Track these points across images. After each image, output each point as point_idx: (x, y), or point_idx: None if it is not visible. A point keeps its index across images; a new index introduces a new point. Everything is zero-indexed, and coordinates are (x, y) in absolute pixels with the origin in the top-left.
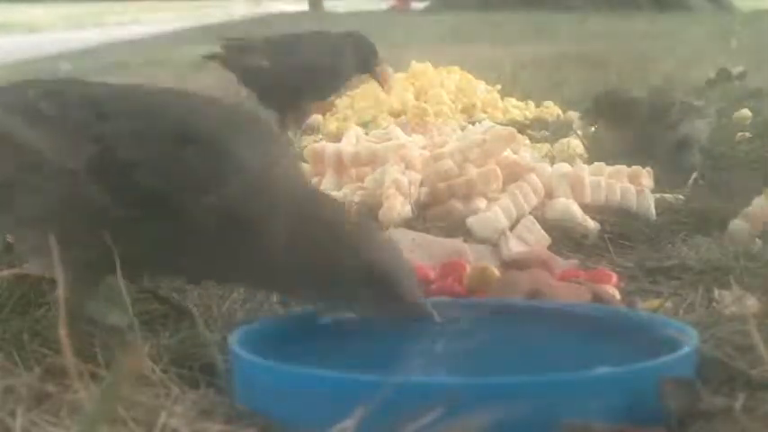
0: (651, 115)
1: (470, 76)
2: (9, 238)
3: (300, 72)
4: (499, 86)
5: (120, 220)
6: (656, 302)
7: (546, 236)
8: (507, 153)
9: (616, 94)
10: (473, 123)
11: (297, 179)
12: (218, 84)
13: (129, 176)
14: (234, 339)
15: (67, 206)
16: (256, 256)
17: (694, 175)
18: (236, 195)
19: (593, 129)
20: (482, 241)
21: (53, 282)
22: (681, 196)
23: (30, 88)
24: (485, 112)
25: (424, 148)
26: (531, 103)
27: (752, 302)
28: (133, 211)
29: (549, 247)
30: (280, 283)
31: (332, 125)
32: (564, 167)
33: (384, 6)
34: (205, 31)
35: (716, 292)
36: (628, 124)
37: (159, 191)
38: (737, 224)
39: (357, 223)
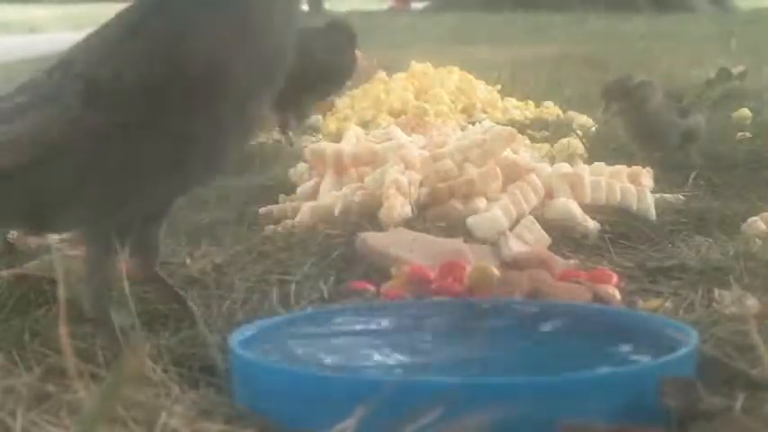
0: (666, 100)
1: (470, 76)
2: (9, 238)
3: (301, 71)
4: (499, 86)
5: (127, 140)
6: (656, 302)
7: (546, 236)
8: (507, 153)
9: (630, 77)
10: (473, 123)
11: None
12: None
13: (115, 90)
14: (234, 339)
15: (77, 144)
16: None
17: (693, 174)
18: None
19: (607, 112)
20: (482, 241)
21: (53, 281)
22: (681, 196)
23: (54, 70)
24: (485, 112)
25: (423, 148)
26: (531, 103)
27: (752, 302)
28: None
29: (549, 247)
30: None
31: (332, 125)
32: (564, 167)
33: (384, 6)
34: None
35: (716, 292)
36: (643, 105)
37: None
38: (753, 223)
39: None
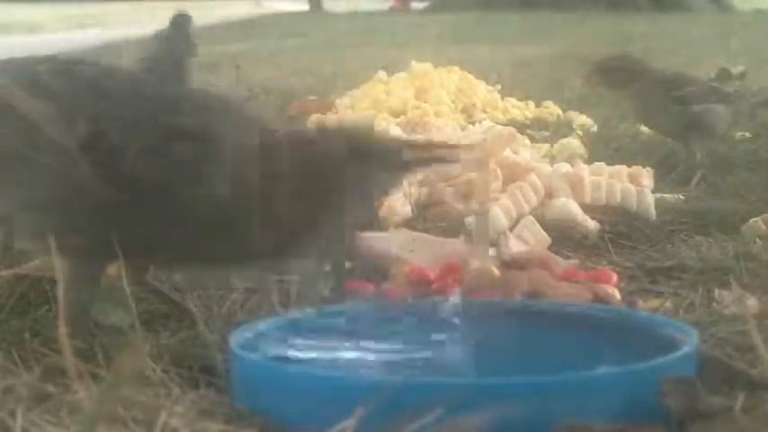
0: (660, 83)
1: (470, 76)
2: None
3: None
4: (499, 86)
5: (110, 202)
6: (656, 302)
7: (546, 236)
8: (507, 153)
9: (626, 55)
10: (473, 123)
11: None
12: (218, 83)
13: (119, 159)
14: (234, 339)
15: (61, 184)
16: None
17: (698, 175)
18: (223, 185)
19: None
20: None
21: (53, 281)
22: (681, 196)
23: (39, 63)
24: (485, 112)
25: None
26: (531, 103)
27: (752, 302)
28: (122, 193)
29: (549, 247)
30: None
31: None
32: (564, 167)
33: (384, 6)
34: (205, 31)
35: (716, 292)
36: (631, 82)
37: (147, 177)
38: (753, 224)
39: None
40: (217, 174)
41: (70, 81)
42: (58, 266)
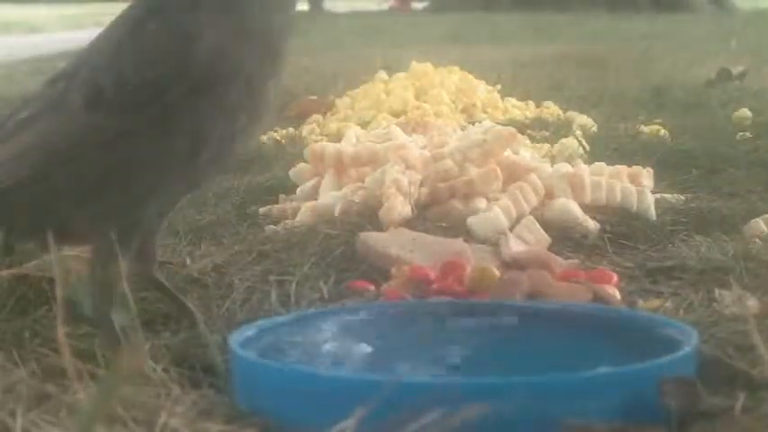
0: None
1: (470, 76)
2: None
3: None
4: (499, 86)
5: (134, 143)
6: (656, 302)
7: (546, 236)
8: (507, 153)
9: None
10: (473, 123)
11: None
12: None
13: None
14: (234, 340)
15: (82, 150)
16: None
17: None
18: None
19: None
20: (482, 241)
21: (53, 281)
22: (681, 196)
23: (57, 81)
24: (485, 112)
25: (424, 148)
26: (531, 103)
27: (752, 302)
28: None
29: (549, 247)
30: None
31: (332, 125)
32: (564, 167)
33: (384, 6)
34: None
35: (716, 292)
36: None
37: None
38: (753, 224)
39: None
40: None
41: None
42: (58, 267)
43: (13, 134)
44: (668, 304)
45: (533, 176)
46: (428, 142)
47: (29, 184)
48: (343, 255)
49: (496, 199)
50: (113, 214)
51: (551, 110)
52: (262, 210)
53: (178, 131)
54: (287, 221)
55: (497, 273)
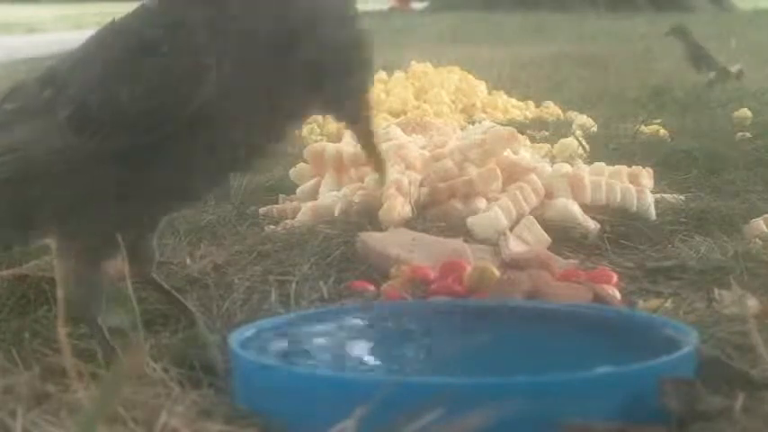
0: None
1: (470, 76)
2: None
3: None
4: (500, 88)
5: (107, 160)
6: (655, 302)
7: (546, 236)
8: (507, 153)
9: None
10: (473, 123)
11: None
12: None
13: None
14: (234, 339)
15: (62, 167)
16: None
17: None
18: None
19: None
20: (482, 241)
21: (53, 281)
22: (681, 196)
23: (37, 81)
24: (485, 112)
25: (423, 148)
26: (531, 103)
27: (752, 302)
28: (119, 140)
29: (549, 247)
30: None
31: (332, 125)
32: (564, 167)
33: (384, 6)
34: None
35: (716, 292)
36: None
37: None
38: (753, 224)
39: None
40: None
41: (56, 84)
42: (58, 267)
43: None
44: (668, 304)
45: (533, 176)
46: (428, 142)
47: (3, 184)
48: (343, 255)
49: (496, 199)
50: (84, 231)
51: (551, 110)
52: (262, 210)
53: (165, 162)
54: (287, 221)
55: (497, 273)
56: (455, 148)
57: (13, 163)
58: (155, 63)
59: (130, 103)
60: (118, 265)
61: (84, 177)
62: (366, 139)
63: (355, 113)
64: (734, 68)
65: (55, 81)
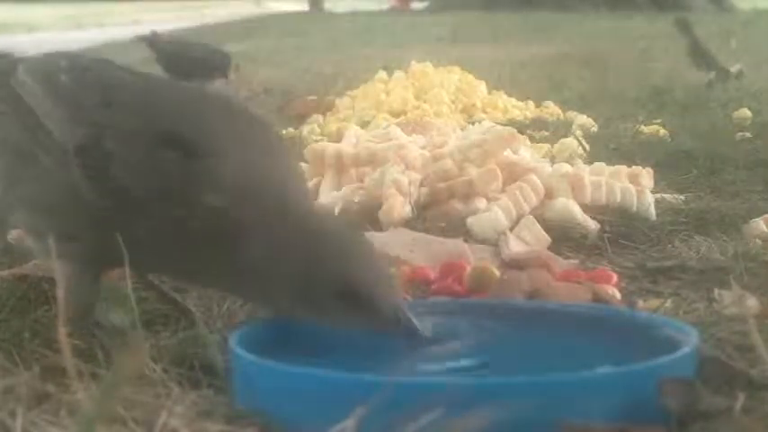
0: None
1: (470, 76)
2: (10, 239)
3: None
4: (501, 91)
5: (98, 208)
6: (656, 302)
7: (546, 236)
8: (507, 153)
9: None
10: (473, 123)
11: (282, 185)
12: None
13: (108, 167)
14: (234, 339)
15: (56, 184)
16: (229, 265)
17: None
18: (209, 208)
19: None
20: (482, 241)
21: (53, 281)
22: (681, 196)
23: (64, 59)
24: (485, 112)
25: (423, 148)
26: (531, 103)
27: (752, 302)
28: (108, 202)
29: (549, 247)
30: (254, 292)
31: (332, 125)
32: (564, 167)
33: (384, 6)
34: (205, 31)
35: (716, 292)
36: None
37: (132, 189)
38: (753, 224)
39: (336, 233)
40: (207, 187)
41: (85, 82)
42: (58, 267)
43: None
44: (668, 304)
45: (533, 176)
46: (428, 142)
47: None
48: None
49: (496, 199)
50: (83, 235)
51: (551, 110)
52: None
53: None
54: None
55: (497, 273)
56: (455, 148)
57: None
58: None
59: (137, 185)
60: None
61: (61, 203)
62: None
63: None
64: (734, 68)
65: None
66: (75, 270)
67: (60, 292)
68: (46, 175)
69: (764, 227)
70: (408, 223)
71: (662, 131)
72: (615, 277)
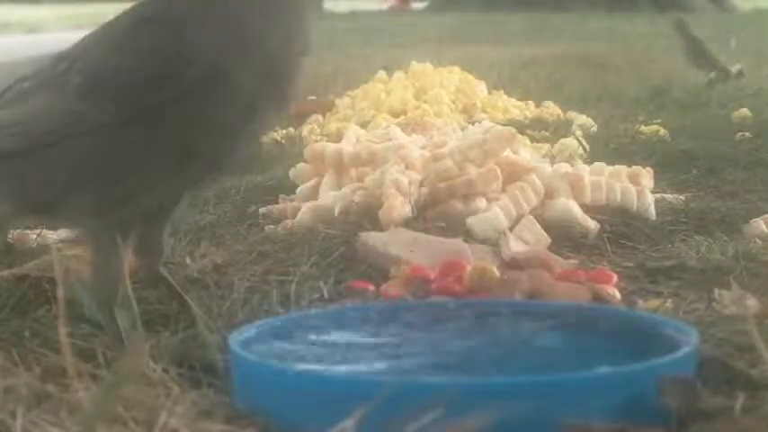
0: None
1: (470, 76)
2: (10, 238)
3: None
4: (501, 91)
5: (125, 136)
6: (655, 302)
7: (546, 236)
8: (507, 153)
9: None
10: (473, 123)
11: None
12: None
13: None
14: (234, 339)
15: (71, 131)
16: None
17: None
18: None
19: None
20: (482, 241)
21: (53, 281)
22: (681, 196)
23: (61, 60)
24: (485, 112)
25: (423, 148)
26: (531, 103)
27: (752, 302)
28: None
29: (549, 247)
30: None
31: (332, 125)
32: (564, 167)
33: (384, 6)
34: None
35: (716, 292)
36: None
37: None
38: (753, 224)
39: None
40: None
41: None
42: (58, 267)
43: (10, 103)
44: (668, 304)
45: (533, 176)
46: (428, 142)
47: (12, 157)
48: (343, 255)
49: (496, 199)
50: (98, 203)
51: (551, 110)
52: (262, 210)
53: (164, 133)
54: (287, 221)
55: (497, 273)
56: (455, 148)
57: (20, 131)
58: (154, 31)
59: (127, 73)
60: (128, 262)
61: (96, 147)
62: None
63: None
64: (734, 68)
65: (68, 57)
66: (103, 252)
67: (60, 292)
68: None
69: (764, 227)
70: (408, 223)
71: (662, 131)
72: (615, 277)
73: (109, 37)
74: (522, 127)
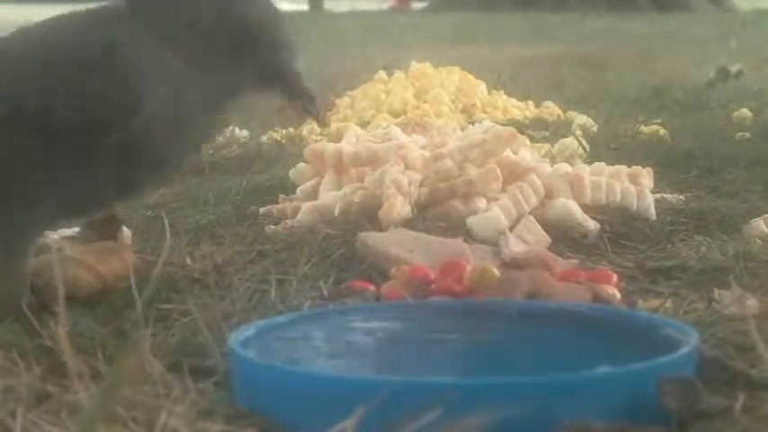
0: None
1: (470, 76)
2: None
3: None
4: (501, 91)
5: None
6: (656, 302)
7: (546, 236)
8: (507, 153)
9: None
10: (473, 123)
11: None
12: None
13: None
14: (234, 339)
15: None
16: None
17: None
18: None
19: None
20: (482, 241)
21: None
22: (681, 196)
23: None
24: (485, 112)
25: (423, 148)
26: (531, 103)
27: (752, 302)
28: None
29: (549, 247)
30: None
31: (332, 125)
32: (564, 167)
33: (384, 6)
34: None
35: (716, 292)
36: None
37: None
38: (753, 224)
39: None
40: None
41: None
42: (58, 267)
43: None
44: (668, 304)
45: (533, 176)
46: (428, 142)
47: None
48: (343, 255)
49: (496, 199)
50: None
51: (551, 110)
52: (262, 210)
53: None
54: (287, 221)
55: (497, 273)
56: (455, 148)
57: None
58: (96, 80)
59: (64, 111)
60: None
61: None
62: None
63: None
64: (734, 68)
65: None
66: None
67: (61, 292)
68: None
69: (764, 227)
70: (408, 223)
71: (662, 131)
72: (615, 277)
73: (40, 63)
74: (522, 127)
